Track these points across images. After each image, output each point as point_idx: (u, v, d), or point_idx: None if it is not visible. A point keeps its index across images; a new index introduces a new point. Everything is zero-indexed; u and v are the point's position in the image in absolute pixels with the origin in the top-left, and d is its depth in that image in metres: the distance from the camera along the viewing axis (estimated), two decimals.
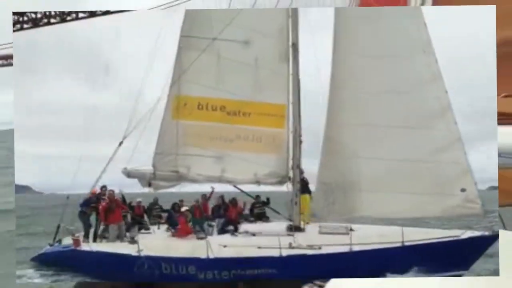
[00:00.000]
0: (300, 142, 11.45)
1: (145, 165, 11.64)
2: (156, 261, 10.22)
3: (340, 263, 9.57)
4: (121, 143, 11.39)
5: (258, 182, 11.52)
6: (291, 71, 11.30)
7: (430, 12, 10.75)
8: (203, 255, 10.05)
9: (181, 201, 12.63)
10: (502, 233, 7.21)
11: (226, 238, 10.96)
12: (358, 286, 6.06)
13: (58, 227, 12.03)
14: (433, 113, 9.96)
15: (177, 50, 11.17)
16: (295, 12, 11.25)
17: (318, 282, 6.63)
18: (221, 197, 12.46)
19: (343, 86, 10.15)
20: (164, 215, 12.90)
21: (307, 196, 11.82)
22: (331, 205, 10.30)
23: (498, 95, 7.75)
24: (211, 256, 10.00)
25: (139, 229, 12.02)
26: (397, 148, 10.00)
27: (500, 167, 7.58)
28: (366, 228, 10.92)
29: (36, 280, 10.88)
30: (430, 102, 9.98)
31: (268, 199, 13.00)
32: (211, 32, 10.89)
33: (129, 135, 11.24)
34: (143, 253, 10.31)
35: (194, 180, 11.49)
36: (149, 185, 11.51)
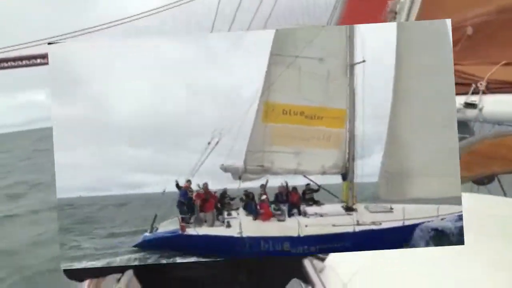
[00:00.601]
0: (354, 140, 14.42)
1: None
2: (256, 240, 12.41)
3: (397, 235, 12.66)
4: (209, 143, 13.36)
5: (324, 173, 14.24)
6: (348, 83, 14.23)
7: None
8: (294, 234, 12.49)
9: (246, 190, 14.77)
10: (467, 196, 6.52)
11: (302, 219, 13.37)
12: (354, 259, 6.17)
13: (155, 216, 13.53)
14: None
15: (267, 66, 13.47)
16: (352, 34, 14.11)
17: (320, 255, 6.79)
18: (285, 184, 14.63)
19: (403, 97, 13.27)
20: (233, 202, 14.91)
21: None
22: (391, 189, 13.39)
23: (498, 63, 7.59)
24: (301, 234, 12.52)
25: (217, 215, 13.99)
26: (439, 141, 13.34)
27: (502, 135, 7.70)
28: (403, 206, 13.64)
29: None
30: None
31: (319, 186, 15.17)
32: (295, 51, 13.34)
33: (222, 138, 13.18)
34: (243, 234, 12.52)
35: (276, 173, 13.85)
36: (239, 178, 13.65)
